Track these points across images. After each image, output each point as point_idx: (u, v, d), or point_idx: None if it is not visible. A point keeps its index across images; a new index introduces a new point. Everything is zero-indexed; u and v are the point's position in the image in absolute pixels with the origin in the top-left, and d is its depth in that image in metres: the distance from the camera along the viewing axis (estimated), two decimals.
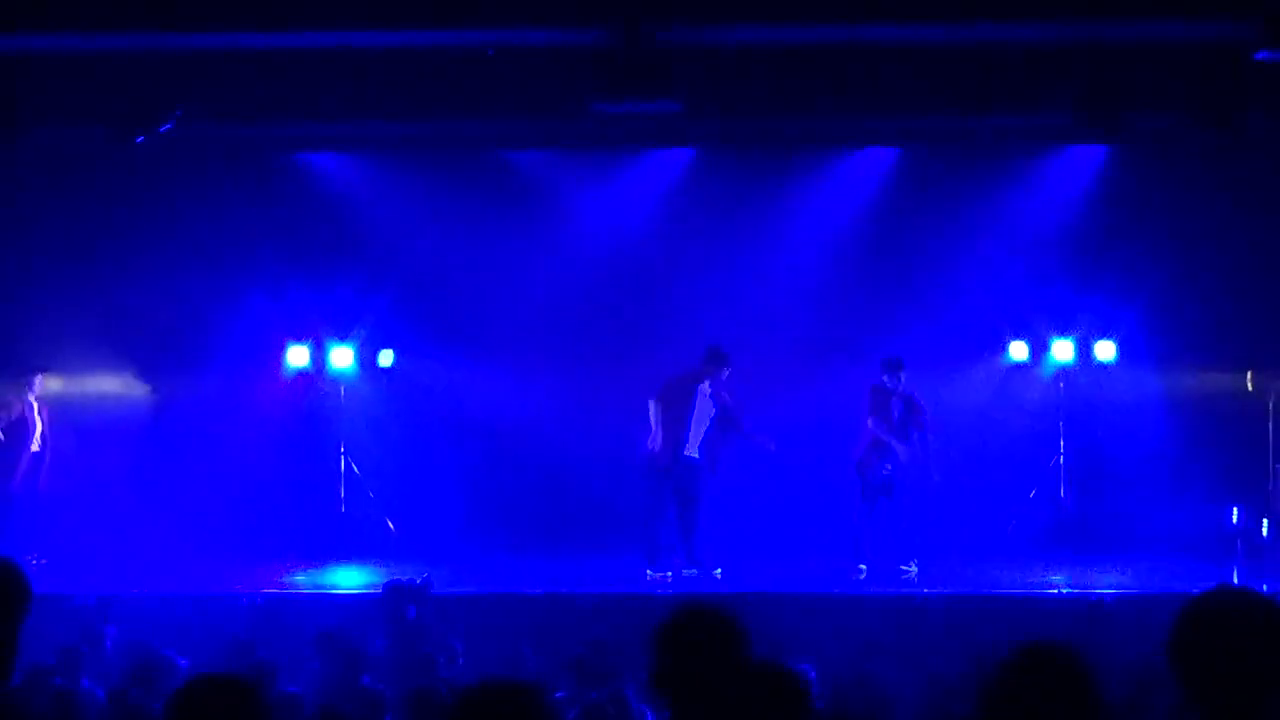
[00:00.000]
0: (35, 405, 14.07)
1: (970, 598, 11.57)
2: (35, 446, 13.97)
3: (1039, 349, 15.31)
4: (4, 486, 13.85)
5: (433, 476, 15.24)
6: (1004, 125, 14.49)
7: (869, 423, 13.04)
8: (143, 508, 14.76)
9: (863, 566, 12.81)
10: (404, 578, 10.58)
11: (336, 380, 15.53)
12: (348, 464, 15.38)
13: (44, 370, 14.23)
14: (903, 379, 13.04)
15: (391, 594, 10.19)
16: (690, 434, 12.84)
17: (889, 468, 13.01)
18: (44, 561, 13.18)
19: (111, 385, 15.40)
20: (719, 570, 12.76)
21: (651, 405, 12.85)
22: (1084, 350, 15.25)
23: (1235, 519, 14.26)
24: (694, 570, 12.74)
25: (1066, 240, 15.37)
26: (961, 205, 15.26)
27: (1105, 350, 15.17)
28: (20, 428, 13.95)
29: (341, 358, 15.47)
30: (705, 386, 12.88)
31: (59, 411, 14.65)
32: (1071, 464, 15.13)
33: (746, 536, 14.20)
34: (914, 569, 12.83)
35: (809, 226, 15.66)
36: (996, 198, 15.31)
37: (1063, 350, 15.22)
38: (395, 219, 15.74)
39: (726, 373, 12.93)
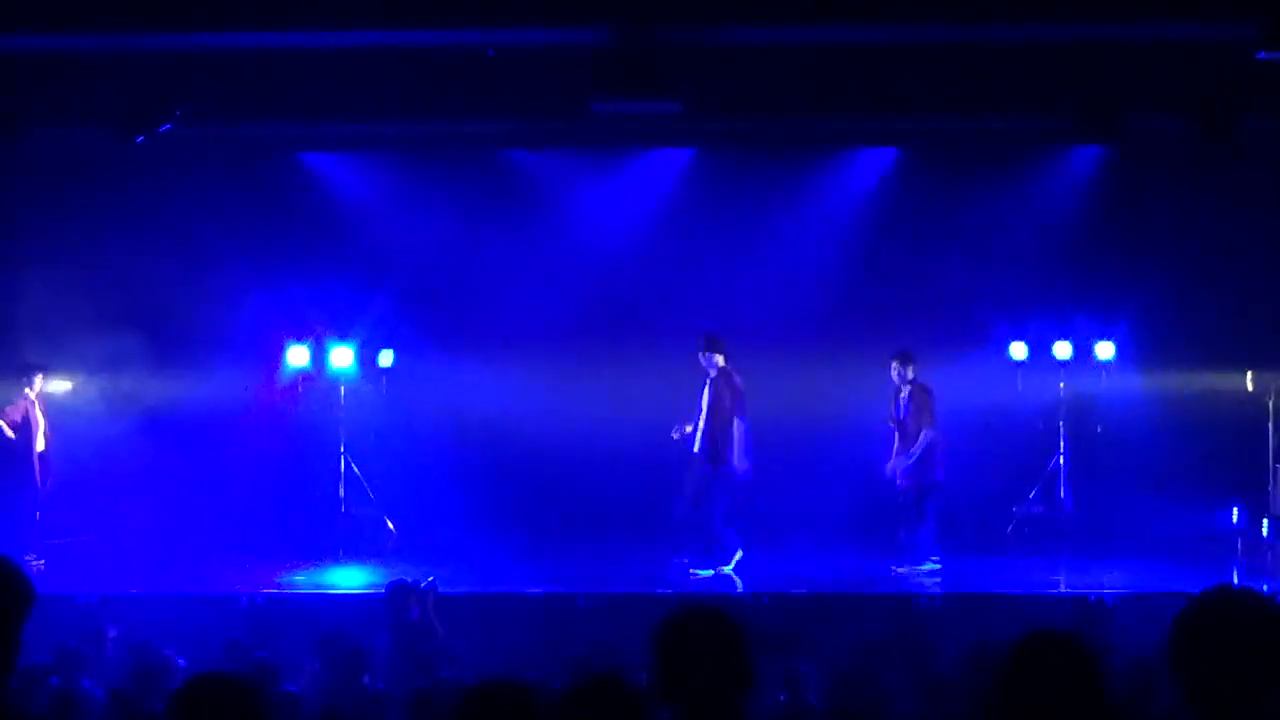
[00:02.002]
0: (36, 404, 14.06)
1: (970, 597, 11.58)
2: (40, 446, 13.95)
3: (1039, 349, 15.31)
4: (11, 486, 13.82)
5: (433, 476, 15.24)
6: (1004, 125, 14.49)
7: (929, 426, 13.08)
8: (143, 508, 14.76)
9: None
10: (407, 578, 10.58)
11: (336, 380, 15.53)
12: (348, 464, 15.39)
13: (43, 369, 14.22)
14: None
15: (395, 594, 10.19)
16: (696, 426, 12.89)
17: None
18: (41, 563, 13.20)
19: (111, 385, 15.39)
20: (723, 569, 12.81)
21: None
22: (1084, 350, 15.25)
23: (1235, 519, 14.26)
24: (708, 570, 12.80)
25: (1066, 240, 15.38)
26: (961, 205, 15.27)
27: (1105, 350, 15.18)
28: (24, 427, 13.93)
29: (341, 358, 15.47)
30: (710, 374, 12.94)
31: (59, 411, 14.65)
32: (1071, 464, 15.13)
33: (746, 536, 14.19)
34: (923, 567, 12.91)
35: (808, 227, 15.68)
36: (996, 198, 15.31)
37: (1063, 350, 15.23)
38: (395, 219, 15.75)
39: (708, 357, 12.88)
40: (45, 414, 14.09)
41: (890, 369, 13.27)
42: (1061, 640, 3.43)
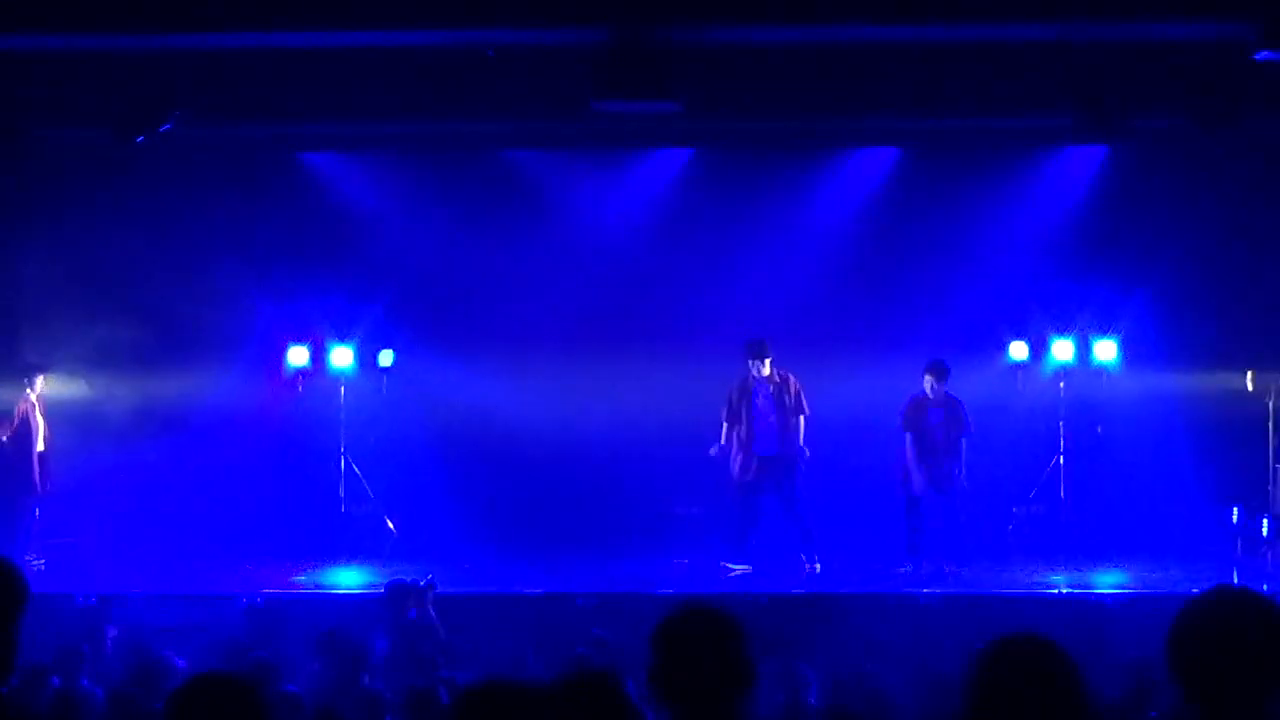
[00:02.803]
0: (37, 405, 14.05)
1: (970, 598, 11.58)
2: (40, 446, 13.95)
3: (1039, 349, 15.30)
4: (11, 486, 13.81)
5: (433, 476, 15.23)
6: (1004, 125, 14.48)
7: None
8: (143, 508, 14.75)
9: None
10: (406, 578, 10.58)
11: (336, 380, 15.52)
12: (348, 464, 15.38)
13: (44, 370, 14.21)
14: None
15: (393, 594, 10.19)
16: (755, 430, 13.12)
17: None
18: (41, 563, 13.20)
19: (111, 385, 15.39)
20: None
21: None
22: (1084, 350, 15.24)
23: (1235, 519, 14.25)
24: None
25: (1066, 240, 15.37)
26: (961, 205, 15.25)
27: (1105, 350, 15.16)
28: (24, 428, 13.92)
29: (341, 358, 15.46)
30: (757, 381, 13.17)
31: (58, 411, 14.67)
32: (1071, 464, 15.12)
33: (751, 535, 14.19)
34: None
35: (809, 227, 15.66)
36: (996, 197, 15.30)
37: (1063, 350, 15.21)
38: (395, 219, 15.74)
39: (754, 364, 13.11)
40: (45, 415, 14.08)
41: (925, 384, 13.21)
42: (1034, 644, 3.41)
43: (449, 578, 11.55)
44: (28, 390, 13.96)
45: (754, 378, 13.26)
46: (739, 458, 13.19)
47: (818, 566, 12.99)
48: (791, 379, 13.30)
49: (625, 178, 15.85)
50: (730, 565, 13.10)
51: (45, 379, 14.16)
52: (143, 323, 15.35)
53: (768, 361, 13.26)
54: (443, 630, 9.94)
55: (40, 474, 13.86)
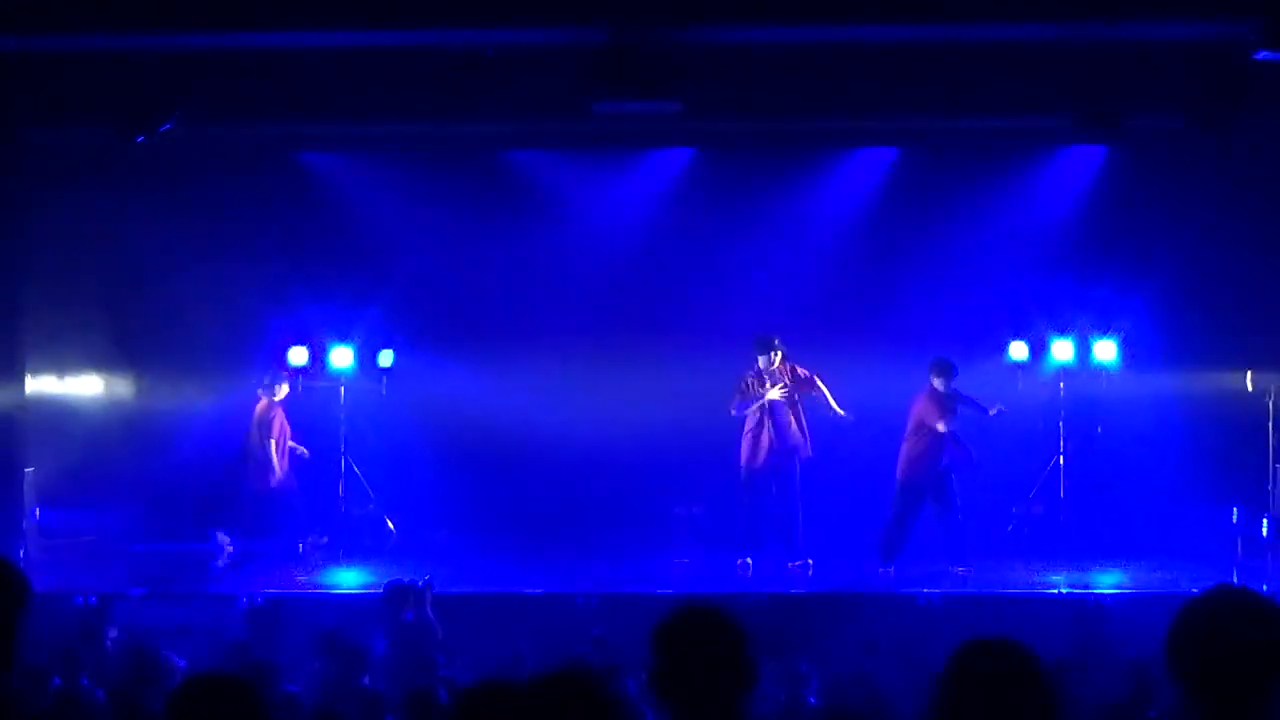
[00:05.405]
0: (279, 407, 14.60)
1: (970, 598, 11.57)
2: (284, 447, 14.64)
3: (1039, 349, 15.30)
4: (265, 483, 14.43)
5: (433, 476, 15.24)
6: (1004, 125, 14.49)
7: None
8: (142, 508, 14.75)
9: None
10: (404, 578, 10.58)
11: (336, 380, 15.52)
12: (348, 464, 15.38)
13: (280, 378, 14.75)
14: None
15: (392, 595, 10.19)
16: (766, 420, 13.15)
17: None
18: (325, 540, 14.23)
19: (110, 385, 15.38)
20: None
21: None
22: (1084, 350, 15.25)
23: (1235, 519, 14.26)
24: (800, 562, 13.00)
25: (1066, 240, 15.39)
26: (961, 205, 15.27)
27: (1105, 350, 15.17)
28: (270, 429, 14.46)
29: (341, 358, 15.46)
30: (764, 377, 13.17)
31: (57, 412, 14.67)
32: (1071, 464, 15.13)
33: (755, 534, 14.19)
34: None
35: (808, 227, 15.68)
36: (996, 198, 15.31)
37: (1063, 350, 15.22)
38: (395, 219, 15.74)
39: (764, 359, 13.14)
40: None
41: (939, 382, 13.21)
42: (1001, 649, 3.42)
43: (448, 578, 11.54)
44: (271, 395, 14.59)
45: (765, 371, 13.20)
46: (749, 446, 13.15)
47: (810, 562, 12.97)
48: (798, 368, 13.28)
49: (626, 178, 15.86)
50: (743, 560, 13.07)
51: (280, 385, 14.73)
52: (142, 322, 15.34)
53: (776, 356, 13.19)
54: (440, 630, 9.94)
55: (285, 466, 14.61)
